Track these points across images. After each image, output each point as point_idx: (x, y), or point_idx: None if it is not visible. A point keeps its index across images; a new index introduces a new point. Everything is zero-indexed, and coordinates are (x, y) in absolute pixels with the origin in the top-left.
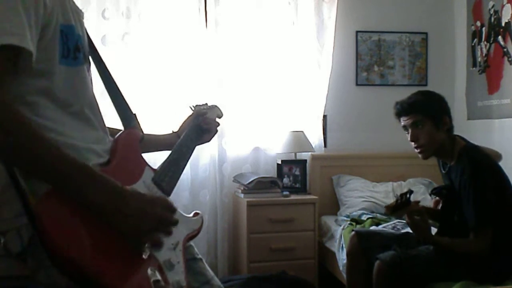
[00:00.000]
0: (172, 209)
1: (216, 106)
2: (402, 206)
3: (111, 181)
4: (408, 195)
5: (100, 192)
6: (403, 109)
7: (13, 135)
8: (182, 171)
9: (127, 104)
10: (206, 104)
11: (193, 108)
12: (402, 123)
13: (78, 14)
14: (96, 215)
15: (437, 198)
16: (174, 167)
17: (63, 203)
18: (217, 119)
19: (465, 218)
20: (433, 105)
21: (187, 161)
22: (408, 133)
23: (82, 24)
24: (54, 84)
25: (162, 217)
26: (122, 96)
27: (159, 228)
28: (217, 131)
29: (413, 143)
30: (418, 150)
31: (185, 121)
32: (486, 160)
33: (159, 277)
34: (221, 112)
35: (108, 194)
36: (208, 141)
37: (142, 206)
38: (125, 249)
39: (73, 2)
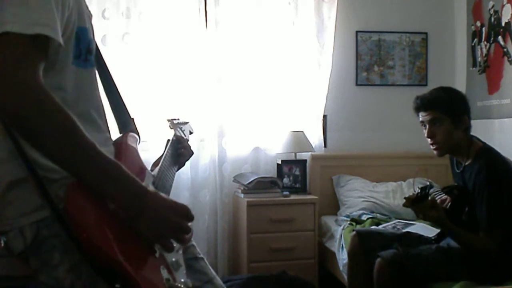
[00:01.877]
0: (189, 217)
1: (189, 122)
2: (421, 199)
3: (136, 184)
4: (427, 190)
5: (124, 193)
6: (422, 104)
7: (52, 118)
8: (172, 183)
9: (126, 108)
10: (179, 119)
11: (169, 121)
12: (420, 118)
13: (89, 17)
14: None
15: (443, 197)
16: (165, 177)
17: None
18: (189, 136)
19: (474, 218)
20: (454, 104)
21: (174, 176)
22: (425, 128)
23: (92, 27)
24: (64, 83)
25: (181, 225)
26: (122, 100)
27: (175, 235)
28: (192, 154)
29: (429, 139)
30: (434, 147)
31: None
32: (503, 163)
33: (169, 276)
34: (193, 129)
35: (131, 196)
36: (182, 165)
37: (163, 212)
38: (141, 246)
39: (87, 5)
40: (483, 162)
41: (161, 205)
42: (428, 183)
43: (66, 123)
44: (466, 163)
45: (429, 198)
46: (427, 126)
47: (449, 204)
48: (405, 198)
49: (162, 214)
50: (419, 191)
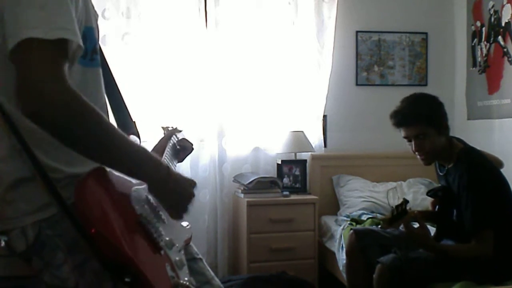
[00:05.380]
0: (194, 187)
1: (182, 130)
2: (398, 217)
3: (162, 162)
4: (404, 206)
5: (155, 170)
6: (404, 121)
7: (86, 118)
8: None
9: (127, 110)
10: (173, 127)
11: (164, 129)
12: (403, 134)
13: (95, 17)
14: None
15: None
16: None
17: (102, 188)
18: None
19: (463, 220)
20: (434, 113)
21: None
22: (409, 142)
23: (98, 26)
24: (70, 81)
25: (192, 194)
26: (123, 101)
27: (188, 202)
28: (192, 149)
29: (416, 152)
30: (422, 157)
31: (159, 141)
32: (484, 163)
33: (173, 273)
34: (187, 138)
35: (161, 171)
36: (181, 160)
37: (182, 184)
38: (148, 244)
39: (93, 5)
40: (465, 165)
41: (179, 178)
42: (403, 199)
43: (100, 122)
44: (449, 166)
45: (408, 213)
46: (413, 141)
47: (437, 207)
48: (381, 220)
49: (181, 186)
50: (395, 209)
